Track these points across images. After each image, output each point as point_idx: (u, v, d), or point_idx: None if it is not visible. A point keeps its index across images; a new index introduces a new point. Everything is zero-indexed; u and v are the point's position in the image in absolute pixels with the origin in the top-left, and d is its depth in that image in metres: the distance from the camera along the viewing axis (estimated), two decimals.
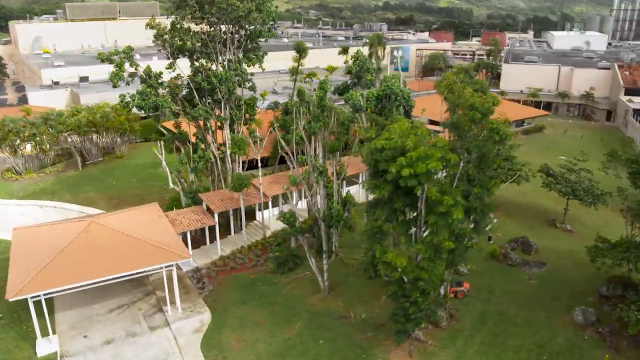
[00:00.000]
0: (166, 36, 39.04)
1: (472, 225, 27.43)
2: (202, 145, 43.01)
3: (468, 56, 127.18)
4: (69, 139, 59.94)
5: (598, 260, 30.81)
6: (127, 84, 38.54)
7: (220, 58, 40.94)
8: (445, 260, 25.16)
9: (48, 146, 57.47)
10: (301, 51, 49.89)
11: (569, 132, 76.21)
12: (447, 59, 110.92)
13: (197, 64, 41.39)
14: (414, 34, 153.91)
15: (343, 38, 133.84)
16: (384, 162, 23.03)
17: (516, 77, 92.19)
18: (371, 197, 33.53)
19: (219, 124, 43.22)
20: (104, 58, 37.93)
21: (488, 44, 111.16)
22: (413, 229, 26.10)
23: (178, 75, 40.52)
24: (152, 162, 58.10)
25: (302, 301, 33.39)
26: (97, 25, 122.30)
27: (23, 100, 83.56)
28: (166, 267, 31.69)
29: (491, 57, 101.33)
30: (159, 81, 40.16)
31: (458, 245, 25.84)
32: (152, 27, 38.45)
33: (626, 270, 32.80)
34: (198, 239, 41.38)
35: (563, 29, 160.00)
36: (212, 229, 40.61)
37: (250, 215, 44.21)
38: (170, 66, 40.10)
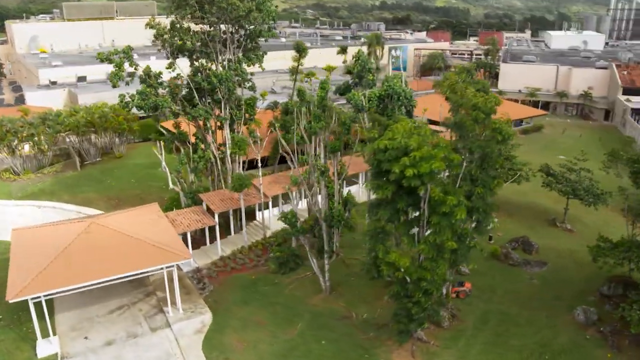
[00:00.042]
0: (166, 36, 38.83)
1: (474, 225, 27.42)
2: (202, 146, 42.86)
3: (466, 56, 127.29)
4: (67, 139, 59.66)
5: (600, 260, 30.85)
6: (127, 84, 38.35)
7: (220, 58, 40.81)
8: (447, 260, 25.14)
9: (46, 146, 57.17)
10: (301, 51, 49.76)
11: (568, 131, 76.31)
12: (445, 58, 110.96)
13: (196, 63, 41.25)
14: (411, 33, 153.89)
15: (341, 38, 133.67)
16: (387, 162, 22.99)
17: (514, 77, 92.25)
18: (373, 196, 33.53)
19: (218, 124, 43.10)
20: (104, 58, 37.70)
21: (486, 44, 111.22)
22: (415, 229, 26.06)
23: (178, 75, 40.37)
24: (150, 162, 57.92)
25: (304, 301, 33.33)
26: (94, 25, 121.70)
27: (20, 100, 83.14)
28: (167, 267, 31.57)
29: (489, 57, 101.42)
30: (159, 81, 40.01)
31: (460, 245, 25.82)
32: (152, 27, 38.26)
33: (627, 269, 32.82)
34: (198, 239, 41.25)
35: (560, 29, 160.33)
36: (212, 229, 40.49)
37: (250, 215, 44.10)
38: (170, 66, 39.94)
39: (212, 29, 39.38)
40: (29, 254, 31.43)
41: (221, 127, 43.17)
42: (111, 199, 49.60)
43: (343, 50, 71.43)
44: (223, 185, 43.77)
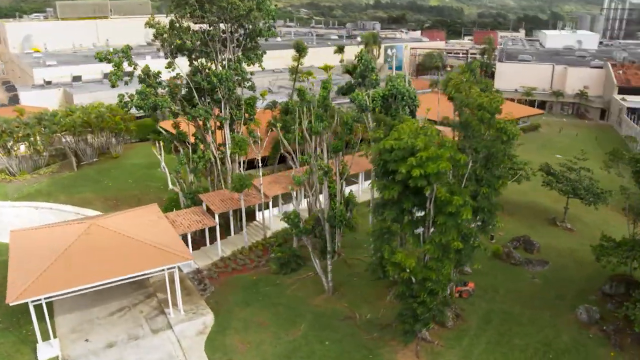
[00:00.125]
0: (165, 35, 38.48)
1: (479, 224, 27.37)
2: (202, 146, 42.57)
3: (461, 55, 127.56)
4: (64, 140, 59.11)
5: (603, 259, 30.91)
6: (126, 83, 37.99)
7: (219, 57, 40.52)
8: (453, 260, 25.07)
9: (42, 147, 56.60)
10: (301, 50, 49.50)
11: (564, 130, 76.64)
12: (443, 57, 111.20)
13: (196, 63, 40.95)
14: (406, 32, 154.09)
15: (336, 37, 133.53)
16: (393, 162, 22.86)
17: (510, 76, 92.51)
18: (376, 195, 33.40)
19: (218, 123, 42.82)
20: (102, 57, 37.33)
21: (482, 43, 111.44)
22: (420, 229, 25.97)
23: (177, 74, 40.05)
24: (148, 163, 57.51)
25: (306, 302, 33.15)
26: (88, 24, 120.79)
27: (14, 100, 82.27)
28: (168, 269, 31.31)
29: (485, 56, 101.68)
30: (158, 81, 39.68)
31: (465, 245, 25.76)
32: (151, 26, 37.90)
33: (629, 268, 32.90)
34: (198, 240, 40.97)
35: (554, 28, 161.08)
36: (211, 229, 40.25)
37: (250, 215, 43.87)
38: (170, 65, 39.62)
39: (211, 28, 39.09)
40: (28, 256, 31.08)
41: (221, 127, 42.90)
42: (109, 200, 49.19)
43: (340, 50, 71.42)
44: (223, 186, 43.51)
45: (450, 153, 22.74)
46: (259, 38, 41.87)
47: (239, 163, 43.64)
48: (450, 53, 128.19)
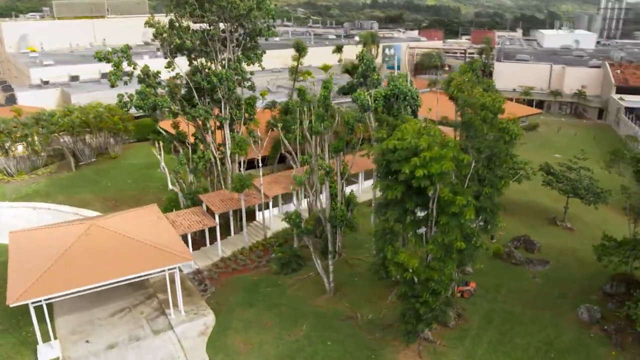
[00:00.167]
0: (165, 35, 38.31)
1: (481, 224, 27.35)
2: (202, 146, 42.43)
3: (459, 55, 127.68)
4: (61, 140, 58.84)
5: (605, 259, 30.95)
6: (126, 83, 37.81)
7: (219, 57, 40.38)
8: (455, 260, 25.03)
9: (40, 147, 56.33)
10: (301, 50, 49.39)
11: (562, 130, 76.79)
12: (442, 57, 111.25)
13: (195, 63, 40.80)
14: (404, 32, 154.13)
15: (334, 36, 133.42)
16: (396, 162, 22.81)
17: (508, 76, 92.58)
18: (378, 195, 33.33)
19: (217, 123, 42.68)
20: (102, 57, 37.12)
21: (481, 42, 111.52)
22: (423, 229, 25.92)
23: (177, 74, 39.89)
24: (146, 163, 57.31)
25: (308, 302, 33.07)
26: (85, 23, 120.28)
27: (10, 100, 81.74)
28: (169, 269, 31.19)
29: (483, 56, 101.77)
30: (157, 80, 39.51)
31: (467, 245, 25.71)
32: (151, 25, 37.72)
33: (630, 268, 32.95)
34: (197, 240, 40.83)
35: (551, 28, 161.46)
36: (211, 230, 40.13)
37: (250, 215, 43.76)
38: (169, 65, 39.46)
39: (211, 27, 38.95)
40: (28, 257, 30.90)
41: (220, 127, 42.76)
42: (108, 200, 49.00)
43: (339, 49, 71.41)
44: (222, 186, 43.39)
45: (453, 153, 22.70)
46: (258, 38, 41.77)
47: (239, 163, 43.53)
48: (448, 53, 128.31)
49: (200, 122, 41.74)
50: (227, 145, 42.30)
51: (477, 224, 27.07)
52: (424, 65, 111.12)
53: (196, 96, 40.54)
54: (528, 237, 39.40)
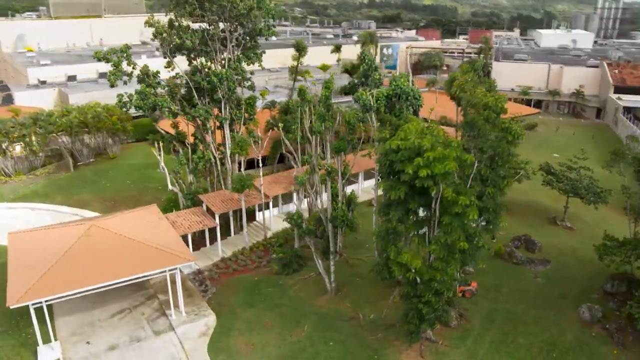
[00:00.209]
0: (165, 34, 38.14)
1: (483, 224, 27.32)
2: (202, 146, 42.28)
3: (456, 54, 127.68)
4: (59, 140, 58.55)
5: (607, 258, 30.98)
6: (125, 83, 37.64)
7: (219, 57, 40.24)
8: (458, 260, 24.97)
9: (38, 147, 56.04)
10: (301, 49, 49.26)
11: (560, 129, 76.93)
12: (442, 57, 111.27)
13: (195, 62, 40.64)
14: (402, 31, 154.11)
15: (332, 36, 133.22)
16: (399, 162, 22.74)
17: (507, 76, 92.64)
18: (380, 194, 33.24)
19: (217, 123, 42.54)
20: (101, 57, 36.94)
21: (479, 42, 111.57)
22: (425, 229, 25.85)
23: (177, 74, 39.73)
24: (145, 163, 57.13)
25: (309, 303, 32.99)
26: (82, 23, 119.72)
27: (7, 100, 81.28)
28: (170, 270, 31.06)
29: (482, 55, 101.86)
30: (157, 80, 39.33)
31: (470, 245, 25.65)
32: (151, 25, 37.54)
33: (630, 267, 32.99)
34: (197, 241, 40.67)
35: (547, 27, 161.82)
36: (211, 230, 40.00)
37: (250, 215, 43.65)
38: (169, 65, 39.30)
39: (211, 27, 38.80)
40: (28, 258, 30.72)
41: (220, 127, 42.61)
42: (107, 201, 48.79)
43: (337, 49, 71.34)
44: (222, 186, 43.25)
45: (457, 153, 22.64)
46: (258, 37, 41.65)
47: (239, 163, 43.40)
48: (446, 52, 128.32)
49: (200, 122, 41.59)
50: (227, 146, 42.16)
51: (479, 224, 27.02)
52: (423, 65, 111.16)
53: (196, 96, 40.38)
54: (529, 237, 39.41)
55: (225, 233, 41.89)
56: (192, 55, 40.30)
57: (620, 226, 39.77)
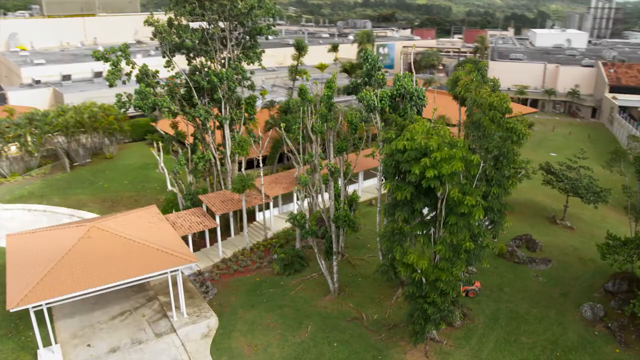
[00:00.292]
0: (164, 34, 37.79)
1: (486, 223, 27.24)
2: (201, 146, 41.98)
3: (452, 54, 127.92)
4: (55, 140, 58.01)
5: (609, 257, 31.07)
6: (124, 83, 37.28)
7: (218, 56, 39.95)
8: (463, 260, 24.89)
9: (34, 148, 55.48)
10: (301, 49, 49.04)
11: (557, 129, 77.26)
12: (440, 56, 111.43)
13: (194, 62, 40.33)
14: (397, 31, 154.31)
15: (328, 35, 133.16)
16: (405, 162, 22.62)
17: (503, 75, 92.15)
18: (382, 193, 33.18)
19: (217, 123, 42.25)
20: (100, 56, 36.53)
21: (474, 41, 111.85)
22: (431, 230, 25.75)
23: (177, 74, 39.40)
24: (143, 163, 56.75)
25: (312, 303, 32.81)
26: (75, 21, 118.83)
27: (1, 99, 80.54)
28: (171, 272, 30.78)
29: (478, 55, 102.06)
30: (156, 80, 39.00)
31: (475, 245, 25.58)
32: (150, 24, 37.18)
33: (631, 266, 33.13)
34: (197, 241, 40.44)
35: (541, 27, 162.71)
36: (211, 230, 39.73)
37: (250, 216, 43.43)
38: (169, 64, 38.97)
39: (211, 26, 38.51)
40: (27, 261, 30.30)
41: (220, 127, 42.33)
42: (105, 201, 48.37)
43: (334, 48, 71.20)
44: (222, 186, 42.98)
45: (463, 153, 22.54)
46: (258, 36, 41.41)
47: (239, 163, 43.15)
48: (441, 51, 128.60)
49: (199, 122, 41.29)
50: (227, 146, 41.89)
51: (483, 224, 26.95)
52: (421, 64, 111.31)
53: (196, 96, 40.07)
54: (530, 236, 39.45)
55: (225, 234, 41.67)
56: (192, 55, 39.98)
57: (619, 225, 40.03)
